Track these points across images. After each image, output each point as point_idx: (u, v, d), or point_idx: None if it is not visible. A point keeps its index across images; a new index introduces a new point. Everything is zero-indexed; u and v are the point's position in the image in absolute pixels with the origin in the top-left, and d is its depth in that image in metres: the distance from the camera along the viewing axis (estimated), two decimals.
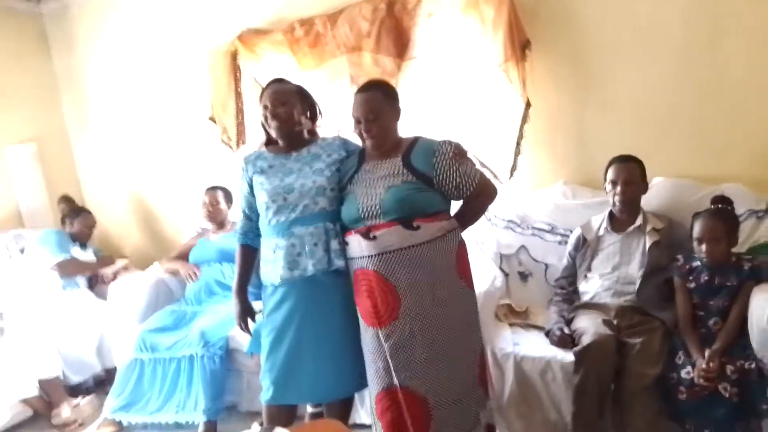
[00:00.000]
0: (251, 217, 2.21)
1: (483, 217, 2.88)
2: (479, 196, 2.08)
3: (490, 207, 2.21)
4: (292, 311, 2.07)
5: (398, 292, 1.94)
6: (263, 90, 2.19)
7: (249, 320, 2.26)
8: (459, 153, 2.03)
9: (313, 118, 2.24)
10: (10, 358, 2.97)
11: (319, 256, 2.03)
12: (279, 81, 2.21)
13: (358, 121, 2.03)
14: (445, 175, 1.99)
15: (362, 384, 2.13)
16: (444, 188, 2.00)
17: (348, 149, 2.19)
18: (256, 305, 2.97)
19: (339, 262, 2.04)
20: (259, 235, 2.18)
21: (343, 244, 2.06)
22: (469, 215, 2.15)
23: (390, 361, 1.96)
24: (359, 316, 2.05)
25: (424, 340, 1.93)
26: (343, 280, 2.07)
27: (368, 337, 2.02)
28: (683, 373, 2.02)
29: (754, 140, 2.54)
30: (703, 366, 1.97)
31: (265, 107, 2.13)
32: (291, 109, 2.13)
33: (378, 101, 2.03)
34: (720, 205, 2.24)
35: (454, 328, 1.99)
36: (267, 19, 3.43)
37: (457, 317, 2.00)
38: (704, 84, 2.59)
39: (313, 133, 2.24)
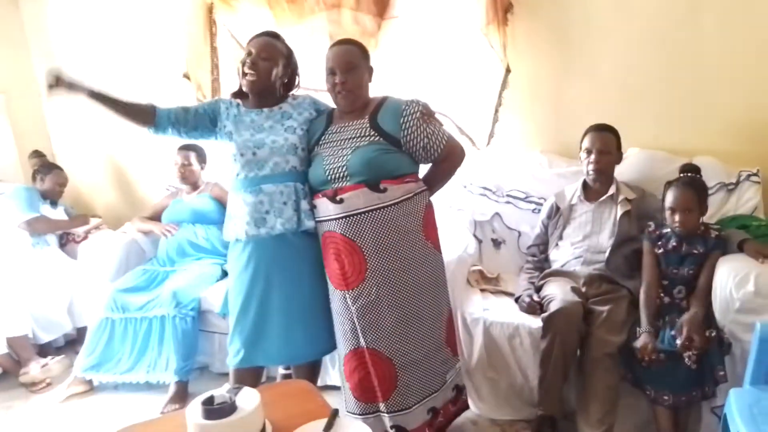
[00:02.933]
0: (187, 112, 2.13)
1: (458, 183, 2.90)
2: (447, 158, 2.07)
3: (460, 170, 2.17)
4: (258, 271, 2.05)
5: (365, 255, 1.94)
6: (254, 36, 2.12)
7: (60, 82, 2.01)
8: (427, 113, 2.01)
9: (290, 85, 2.18)
10: None
11: (288, 215, 2.01)
12: (274, 35, 2.15)
13: (332, 73, 1.98)
14: (412, 136, 1.97)
15: (332, 347, 2.15)
16: (411, 150, 1.99)
17: (318, 109, 2.16)
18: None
19: (309, 223, 2.03)
20: (168, 120, 2.11)
21: (312, 206, 2.04)
22: (438, 178, 2.14)
23: (357, 323, 1.98)
24: (327, 278, 2.05)
25: (389, 303, 1.96)
26: (313, 241, 2.06)
27: (336, 299, 2.04)
28: None
29: (726, 114, 2.57)
30: (678, 339, 1.99)
31: (249, 53, 2.06)
32: (271, 68, 2.07)
33: (354, 54, 2.01)
34: (689, 173, 2.25)
35: (421, 291, 2.01)
36: None
37: (424, 279, 2.01)
38: (680, 58, 2.60)
39: (283, 92, 2.18)
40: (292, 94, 2.19)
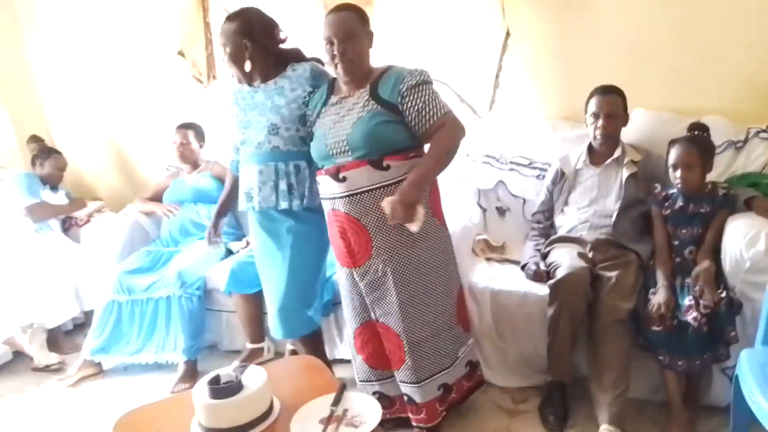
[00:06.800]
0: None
1: (461, 152, 2.83)
2: (443, 127, 1.88)
3: (462, 145, 1.96)
4: (256, 245, 2.25)
5: (370, 233, 1.91)
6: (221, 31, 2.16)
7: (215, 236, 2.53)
8: (428, 82, 1.92)
9: (273, 53, 2.16)
10: None
11: (265, 194, 2.08)
12: (230, 18, 2.13)
13: (330, 42, 1.90)
14: (408, 99, 1.87)
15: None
16: (408, 114, 1.88)
17: (315, 84, 2.11)
18: (234, 245, 2.97)
19: (284, 203, 2.06)
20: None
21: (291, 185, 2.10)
22: (436, 150, 1.90)
23: (366, 298, 1.98)
24: (334, 256, 2.06)
25: (396, 280, 1.93)
26: (296, 217, 2.12)
27: (343, 276, 2.03)
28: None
29: (734, 72, 2.50)
30: (665, 299, 1.99)
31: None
32: (237, 54, 2.10)
33: (353, 21, 1.92)
34: (696, 132, 2.21)
35: (428, 268, 1.97)
36: None
37: (431, 257, 1.98)
38: (686, 16, 2.52)
39: (292, 57, 2.19)
40: (292, 65, 2.15)
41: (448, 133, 1.88)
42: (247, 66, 2.11)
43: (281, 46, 2.18)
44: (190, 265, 2.80)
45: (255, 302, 2.65)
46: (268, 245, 2.15)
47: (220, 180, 3.12)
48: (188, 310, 2.69)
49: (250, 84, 2.18)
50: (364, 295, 1.97)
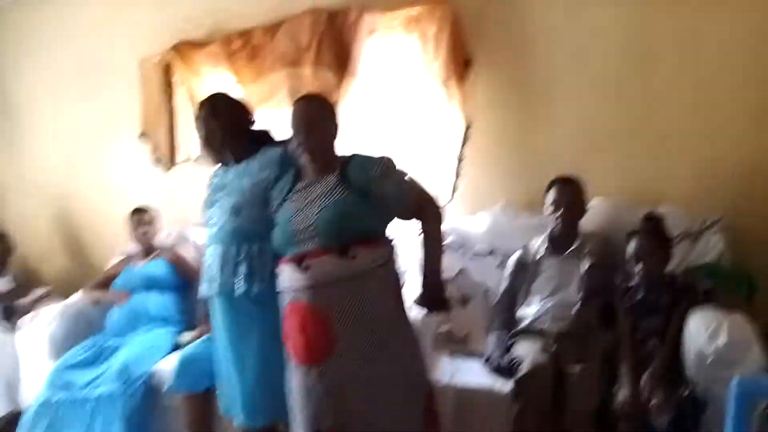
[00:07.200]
0: None
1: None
2: (422, 212, 1.94)
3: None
4: (216, 331, 2.13)
5: (334, 328, 1.79)
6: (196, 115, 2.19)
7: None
8: (395, 165, 1.92)
9: (244, 133, 2.17)
10: None
11: (224, 278, 1.99)
12: (209, 103, 2.17)
13: (297, 132, 1.90)
14: (382, 182, 1.85)
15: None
16: (383, 196, 1.86)
17: (283, 168, 2.04)
18: (185, 336, 2.81)
19: (243, 288, 1.95)
20: None
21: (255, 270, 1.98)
22: (430, 243, 1.97)
23: (323, 402, 1.80)
24: (289, 353, 1.88)
25: (360, 381, 1.79)
26: (253, 305, 1.99)
27: (299, 376, 1.84)
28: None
29: (688, 161, 2.58)
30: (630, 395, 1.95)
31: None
32: (215, 129, 2.12)
33: (318, 112, 1.93)
34: (651, 223, 2.24)
35: (395, 369, 1.84)
36: (204, 31, 3.28)
37: (398, 356, 1.86)
38: (639, 107, 2.63)
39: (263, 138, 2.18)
40: (264, 147, 2.13)
41: (435, 219, 1.98)
42: (221, 150, 2.14)
43: (252, 127, 2.21)
44: (136, 358, 2.61)
45: (204, 401, 2.46)
46: (230, 332, 2.03)
47: (176, 266, 3.01)
48: (130, 409, 2.46)
49: (225, 165, 2.18)
50: (322, 397, 1.80)
